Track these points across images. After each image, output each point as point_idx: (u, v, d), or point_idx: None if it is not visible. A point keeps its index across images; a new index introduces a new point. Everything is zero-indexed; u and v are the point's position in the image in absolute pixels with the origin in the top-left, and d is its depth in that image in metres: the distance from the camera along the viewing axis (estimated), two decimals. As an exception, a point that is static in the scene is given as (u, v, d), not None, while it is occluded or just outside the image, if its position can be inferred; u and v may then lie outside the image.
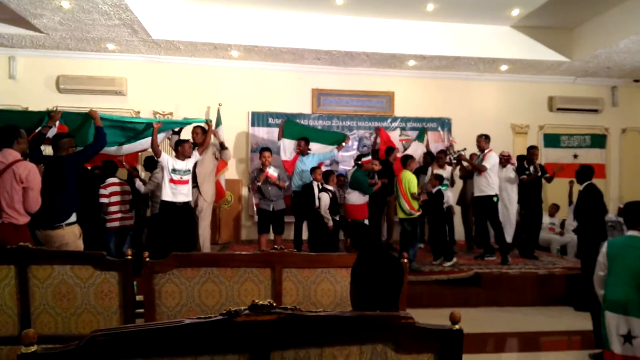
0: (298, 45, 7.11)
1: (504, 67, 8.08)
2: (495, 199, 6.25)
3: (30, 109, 7.40)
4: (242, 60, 7.82)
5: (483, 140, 6.47)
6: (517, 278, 5.89)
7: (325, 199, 5.95)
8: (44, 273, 2.87)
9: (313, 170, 6.27)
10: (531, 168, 6.72)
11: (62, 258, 2.93)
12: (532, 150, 6.85)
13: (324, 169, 6.57)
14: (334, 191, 6.19)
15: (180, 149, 5.47)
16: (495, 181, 6.30)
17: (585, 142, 8.97)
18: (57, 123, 4.52)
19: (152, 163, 6.22)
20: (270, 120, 8.09)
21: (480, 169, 6.26)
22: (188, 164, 5.51)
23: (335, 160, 8.05)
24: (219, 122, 6.94)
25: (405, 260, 2.93)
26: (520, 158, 7.15)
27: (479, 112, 8.51)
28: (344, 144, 7.23)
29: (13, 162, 3.71)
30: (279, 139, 7.09)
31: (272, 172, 5.98)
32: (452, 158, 7.00)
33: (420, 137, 8.05)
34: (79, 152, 4.39)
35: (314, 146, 6.97)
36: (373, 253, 1.79)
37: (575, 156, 8.88)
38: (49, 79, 7.59)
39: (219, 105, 7.18)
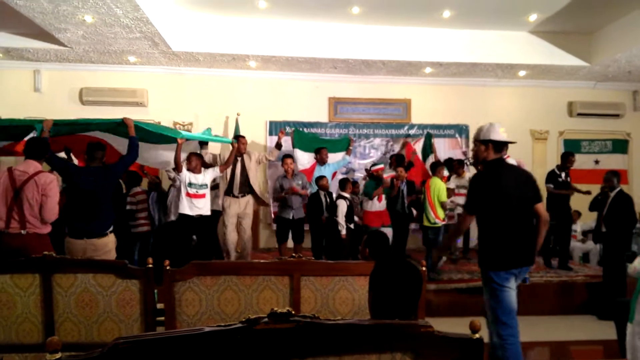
0: (315, 54, 7.17)
1: (522, 73, 8.00)
2: None
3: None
4: (260, 70, 7.91)
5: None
6: (539, 286, 5.79)
7: (342, 206, 5.97)
8: (67, 282, 2.91)
9: (319, 179, 6.31)
10: (563, 174, 6.44)
11: (85, 267, 2.97)
12: (570, 157, 6.51)
13: (340, 177, 6.61)
14: (350, 199, 6.20)
15: (187, 161, 5.58)
16: None
17: (606, 148, 8.81)
18: (49, 133, 4.40)
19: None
20: (288, 130, 8.14)
21: None
22: (205, 178, 5.63)
23: (352, 168, 8.07)
24: (237, 132, 7.02)
25: (424, 269, 2.92)
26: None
27: (497, 119, 8.34)
28: (351, 147, 7.32)
29: (35, 173, 3.82)
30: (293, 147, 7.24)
31: (298, 185, 6.05)
32: (469, 162, 6.97)
33: (427, 145, 7.91)
34: (118, 163, 4.42)
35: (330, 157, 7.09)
36: (391, 261, 1.80)
37: (597, 162, 8.72)
38: (73, 92, 7.79)
39: (238, 115, 7.27)
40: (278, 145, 6.53)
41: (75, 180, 4.10)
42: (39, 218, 3.81)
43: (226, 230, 6.04)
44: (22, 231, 3.78)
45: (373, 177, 6.46)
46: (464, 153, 7.47)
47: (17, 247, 3.73)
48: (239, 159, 6.09)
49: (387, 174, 6.61)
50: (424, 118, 8.42)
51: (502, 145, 3.30)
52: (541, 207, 3.33)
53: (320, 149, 6.90)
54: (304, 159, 7.12)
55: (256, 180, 6.35)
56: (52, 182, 3.87)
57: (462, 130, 8.48)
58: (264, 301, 2.89)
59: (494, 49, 7.35)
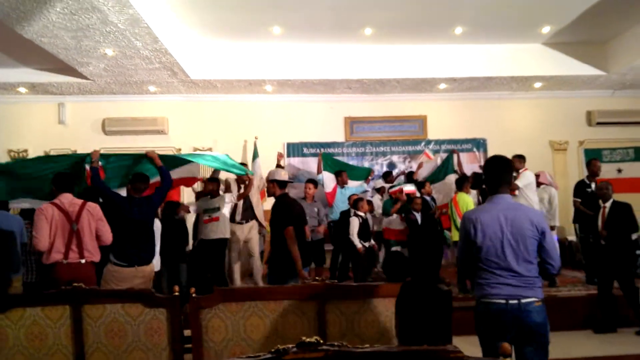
0: (329, 76, 7.29)
1: (537, 85, 7.98)
2: None
3: (78, 151, 7.80)
4: (276, 94, 8.06)
5: (517, 161, 6.31)
6: (567, 301, 5.65)
7: (354, 223, 5.97)
8: (97, 312, 2.95)
9: (349, 199, 6.39)
10: (593, 185, 6.15)
11: (114, 297, 3.02)
12: (594, 161, 6.35)
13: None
14: (365, 217, 6.20)
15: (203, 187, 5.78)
16: (535, 200, 6.13)
17: (628, 156, 8.66)
18: (100, 164, 4.57)
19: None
20: (305, 150, 8.24)
21: (512, 188, 6.11)
22: (215, 203, 5.78)
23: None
24: (255, 156, 7.11)
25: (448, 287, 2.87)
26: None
27: (515, 131, 8.39)
28: (370, 177, 7.50)
29: (83, 203, 4.00)
30: (318, 172, 7.30)
31: (312, 212, 6.13)
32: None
33: (447, 163, 7.90)
34: (156, 193, 4.53)
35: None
36: (417, 284, 1.78)
37: (619, 170, 8.57)
38: (96, 122, 8.02)
39: (256, 138, 7.37)
40: (278, 167, 6.60)
41: (123, 210, 4.23)
42: (94, 246, 3.98)
43: (231, 257, 6.09)
44: (82, 260, 3.91)
45: (391, 197, 6.52)
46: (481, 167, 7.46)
47: (73, 278, 3.81)
48: (242, 185, 6.20)
49: (407, 189, 6.61)
50: (440, 133, 8.43)
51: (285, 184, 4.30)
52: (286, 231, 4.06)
53: (340, 171, 7.00)
54: (330, 180, 7.17)
55: (259, 205, 6.38)
56: (98, 208, 4.08)
57: (479, 144, 8.45)
58: (289, 326, 2.89)
59: (507, 62, 7.36)
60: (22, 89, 7.50)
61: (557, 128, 8.57)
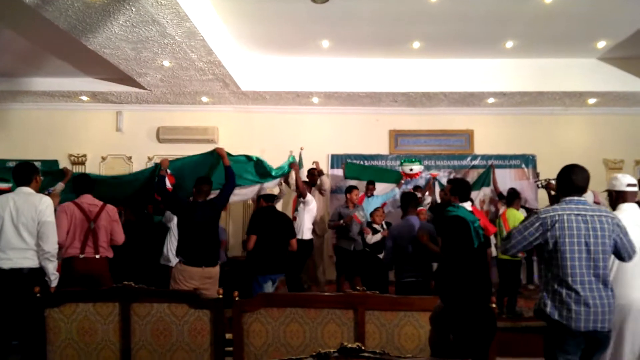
0: (375, 89, 7.31)
1: (592, 101, 7.69)
2: None
3: (133, 158, 8.23)
4: (322, 106, 8.16)
5: None
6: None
7: (368, 235, 5.95)
8: (144, 310, 3.04)
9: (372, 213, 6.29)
10: None
11: (161, 296, 3.09)
12: None
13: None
14: (378, 229, 6.09)
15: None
16: None
17: (689, 176, 8.17)
18: (168, 172, 4.83)
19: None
20: (349, 162, 8.25)
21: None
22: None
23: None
24: (300, 166, 7.19)
25: (494, 305, 2.78)
26: None
27: (566, 148, 8.07)
28: (402, 182, 7.35)
29: (103, 204, 4.39)
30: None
31: (360, 215, 6.09)
32: (540, 185, 6.74)
33: (486, 176, 7.71)
34: (219, 196, 4.68)
35: (378, 187, 7.17)
36: (461, 301, 1.75)
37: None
38: (151, 131, 8.38)
39: (301, 149, 7.46)
40: (314, 174, 6.84)
41: (190, 214, 4.41)
42: (108, 244, 4.38)
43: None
44: (96, 256, 4.28)
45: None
46: (536, 180, 7.28)
47: (86, 271, 4.21)
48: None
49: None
50: (487, 149, 8.25)
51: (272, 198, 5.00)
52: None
53: (367, 183, 7.02)
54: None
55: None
56: (116, 210, 4.50)
57: (528, 160, 8.20)
58: (328, 335, 2.90)
59: (560, 77, 7.15)
60: (84, 97, 7.95)
61: (611, 146, 8.20)
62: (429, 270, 4.77)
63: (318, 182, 6.93)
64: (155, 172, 4.96)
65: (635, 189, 3.23)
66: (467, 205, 5.21)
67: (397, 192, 7.28)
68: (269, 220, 5.01)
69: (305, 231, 6.13)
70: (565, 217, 2.62)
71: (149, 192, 5.10)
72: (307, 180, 6.82)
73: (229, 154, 5.03)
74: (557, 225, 2.60)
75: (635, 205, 3.17)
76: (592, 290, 2.55)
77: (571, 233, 2.59)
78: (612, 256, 2.75)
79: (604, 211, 2.73)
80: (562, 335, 2.57)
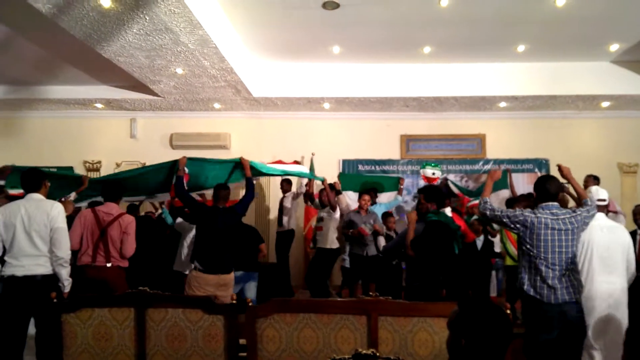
0: (386, 94, 7.32)
1: (605, 104, 7.62)
2: None
3: (147, 164, 8.30)
4: (333, 111, 8.18)
5: (591, 180, 5.98)
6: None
7: (381, 241, 5.93)
8: (159, 316, 3.06)
9: (386, 219, 6.30)
10: None
11: (176, 302, 3.12)
12: None
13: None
14: (388, 234, 6.07)
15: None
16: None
17: None
18: (186, 170, 4.81)
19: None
20: (360, 167, 8.28)
21: (582, 196, 5.75)
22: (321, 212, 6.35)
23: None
24: (312, 171, 7.21)
25: (509, 311, 2.77)
26: None
27: (580, 152, 8.00)
28: (401, 187, 7.21)
29: (119, 215, 4.32)
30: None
31: (367, 227, 6.07)
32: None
33: (499, 181, 7.62)
34: (239, 204, 4.68)
35: (381, 197, 7.10)
36: (477, 305, 1.74)
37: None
38: (164, 137, 8.48)
39: (312, 154, 7.49)
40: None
41: (212, 220, 4.41)
42: (121, 254, 4.27)
43: None
44: (108, 264, 4.22)
45: None
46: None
47: (100, 278, 4.18)
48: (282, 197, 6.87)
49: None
50: (499, 153, 8.21)
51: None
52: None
53: (369, 191, 6.89)
54: (355, 199, 7.12)
55: (293, 213, 7.24)
56: (132, 223, 4.35)
57: (541, 164, 8.14)
58: (341, 340, 2.89)
59: (573, 80, 7.09)
60: (98, 105, 8.07)
61: (626, 149, 8.11)
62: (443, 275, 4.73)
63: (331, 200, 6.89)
64: (174, 168, 4.87)
65: (605, 203, 3.92)
66: (447, 211, 5.20)
67: (400, 199, 7.24)
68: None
69: (332, 240, 6.11)
70: (542, 219, 3.17)
71: (168, 185, 5.08)
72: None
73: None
74: (535, 224, 3.16)
75: (603, 214, 3.85)
76: (561, 280, 3.14)
77: (546, 232, 3.15)
78: (584, 252, 3.58)
79: (572, 212, 3.27)
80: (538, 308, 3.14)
